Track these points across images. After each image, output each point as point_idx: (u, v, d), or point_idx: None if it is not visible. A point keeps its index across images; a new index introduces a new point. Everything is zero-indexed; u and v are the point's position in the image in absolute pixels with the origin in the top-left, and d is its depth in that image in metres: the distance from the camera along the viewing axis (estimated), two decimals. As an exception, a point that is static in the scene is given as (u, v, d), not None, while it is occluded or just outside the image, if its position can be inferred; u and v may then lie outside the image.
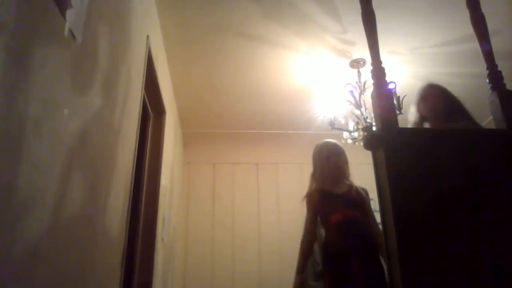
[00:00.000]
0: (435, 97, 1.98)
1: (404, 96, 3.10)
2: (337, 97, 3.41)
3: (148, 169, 2.71)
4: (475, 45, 1.38)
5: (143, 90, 2.16)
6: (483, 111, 1.45)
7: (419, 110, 2.04)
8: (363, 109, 3.15)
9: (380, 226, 1.19)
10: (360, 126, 3.27)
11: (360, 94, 3.17)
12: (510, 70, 1.56)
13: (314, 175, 2.14)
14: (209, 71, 3.38)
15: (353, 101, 3.13)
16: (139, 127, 2.05)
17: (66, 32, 1.06)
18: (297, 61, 3.22)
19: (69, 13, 1.06)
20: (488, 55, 1.33)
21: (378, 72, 1.24)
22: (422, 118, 2.03)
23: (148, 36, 2.24)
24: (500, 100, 1.26)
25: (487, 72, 1.33)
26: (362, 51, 3.05)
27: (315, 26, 2.81)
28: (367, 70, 3.00)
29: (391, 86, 2.89)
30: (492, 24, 1.43)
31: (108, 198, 1.52)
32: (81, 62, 1.21)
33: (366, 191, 2.06)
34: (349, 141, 3.34)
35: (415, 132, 1.28)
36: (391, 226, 1.05)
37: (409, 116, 2.12)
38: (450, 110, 1.92)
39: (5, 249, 0.80)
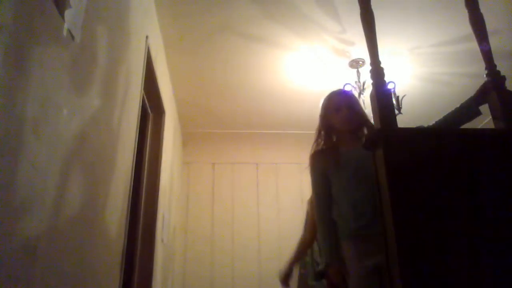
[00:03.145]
0: (350, 108, 1.74)
1: (403, 96, 3.10)
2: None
3: (148, 169, 2.71)
4: (474, 44, 1.38)
5: (142, 90, 2.16)
6: (483, 111, 1.45)
7: (327, 120, 1.78)
8: (362, 108, 3.15)
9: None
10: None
11: (360, 94, 3.18)
12: (509, 70, 1.55)
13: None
14: (209, 71, 3.37)
15: (352, 101, 3.12)
16: (138, 127, 2.05)
17: (64, 32, 1.06)
18: (296, 61, 3.22)
19: (67, 13, 1.06)
20: (487, 55, 1.34)
21: (377, 72, 1.25)
22: (330, 130, 1.78)
23: (147, 36, 2.24)
24: (499, 100, 1.27)
25: (486, 72, 1.33)
26: (361, 51, 3.05)
27: (314, 26, 2.81)
28: (366, 70, 3.00)
29: (390, 86, 2.89)
30: (490, 24, 1.43)
31: (108, 198, 1.52)
32: (80, 62, 1.20)
33: None
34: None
35: (414, 132, 1.27)
36: (390, 226, 1.05)
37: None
38: (360, 123, 1.74)
39: (4, 249, 0.80)
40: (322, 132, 1.79)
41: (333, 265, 1.58)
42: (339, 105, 1.74)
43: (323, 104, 1.82)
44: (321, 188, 1.69)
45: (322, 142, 1.77)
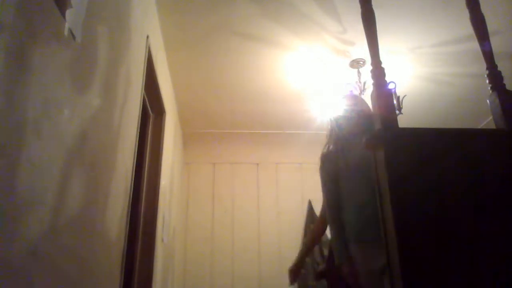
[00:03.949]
0: (360, 112, 1.79)
1: (404, 96, 3.10)
2: (337, 97, 3.41)
3: (148, 169, 2.71)
4: (475, 45, 1.38)
5: (143, 90, 2.16)
6: (483, 111, 1.45)
7: (336, 123, 1.81)
8: (363, 109, 3.15)
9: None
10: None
11: (360, 94, 3.18)
12: (510, 70, 1.55)
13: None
14: (209, 71, 3.38)
15: (353, 101, 3.12)
16: (139, 127, 2.05)
17: (66, 31, 1.06)
18: (296, 61, 3.22)
19: (68, 13, 1.06)
20: (488, 55, 1.33)
21: (378, 72, 1.24)
22: (339, 133, 1.80)
23: (148, 36, 2.23)
24: (500, 100, 1.26)
25: (487, 72, 1.33)
26: (362, 51, 3.05)
27: (314, 26, 2.81)
28: (367, 70, 3.00)
29: (391, 86, 2.88)
30: (492, 24, 1.43)
31: (108, 198, 1.52)
32: (81, 62, 1.20)
33: None
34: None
35: (415, 132, 1.27)
36: (391, 226, 1.04)
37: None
38: (367, 127, 1.73)
39: (5, 250, 0.79)
40: (332, 136, 1.81)
41: (345, 265, 1.60)
42: (350, 109, 1.78)
43: (333, 108, 1.86)
44: (331, 191, 1.72)
45: (332, 145, 1.79)
